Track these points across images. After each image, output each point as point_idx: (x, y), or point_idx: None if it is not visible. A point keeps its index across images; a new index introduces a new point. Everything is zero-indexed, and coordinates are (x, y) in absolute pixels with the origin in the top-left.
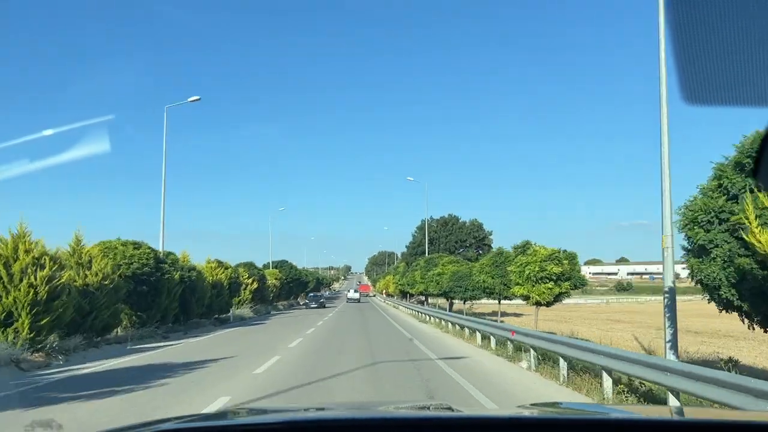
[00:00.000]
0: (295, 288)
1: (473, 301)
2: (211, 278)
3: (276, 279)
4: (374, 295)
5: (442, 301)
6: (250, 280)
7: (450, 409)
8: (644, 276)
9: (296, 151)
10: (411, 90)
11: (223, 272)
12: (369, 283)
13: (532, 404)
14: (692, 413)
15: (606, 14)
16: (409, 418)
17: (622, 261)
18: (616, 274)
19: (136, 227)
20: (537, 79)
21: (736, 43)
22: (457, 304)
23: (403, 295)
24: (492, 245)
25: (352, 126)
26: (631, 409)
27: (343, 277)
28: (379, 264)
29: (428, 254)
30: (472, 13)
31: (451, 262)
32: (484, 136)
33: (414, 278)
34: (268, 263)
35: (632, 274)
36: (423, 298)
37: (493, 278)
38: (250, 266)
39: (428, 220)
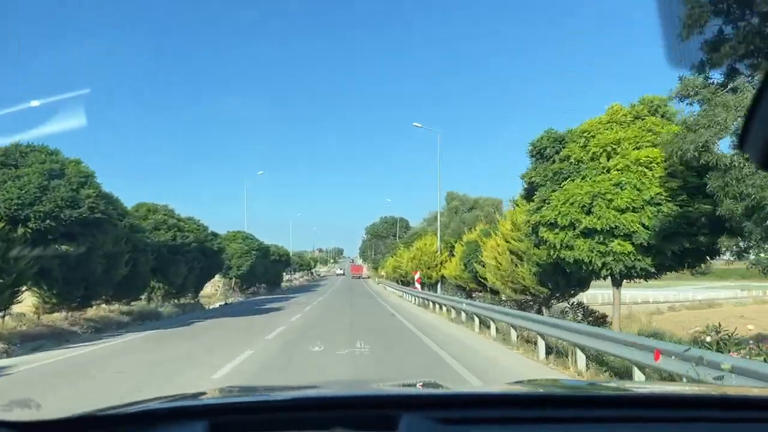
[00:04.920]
0: (176, 266)
1: None
2: None
3: None
4: (368, 277)
5: None
6: None
7: (438, 385)
8: None
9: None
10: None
11: None
12: (363, 265)
13: (515, 381)
14: (700, 390)
15: None
16: (400, 395)
17: None
18: None
19: None
20: None
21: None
22: None
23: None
24: None
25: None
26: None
27: (333, 260)
28: (381, 236)
29: None
30: None
31: None
32: None
33: None
34: None
35: None
36: None
37: None
38: None
39: None
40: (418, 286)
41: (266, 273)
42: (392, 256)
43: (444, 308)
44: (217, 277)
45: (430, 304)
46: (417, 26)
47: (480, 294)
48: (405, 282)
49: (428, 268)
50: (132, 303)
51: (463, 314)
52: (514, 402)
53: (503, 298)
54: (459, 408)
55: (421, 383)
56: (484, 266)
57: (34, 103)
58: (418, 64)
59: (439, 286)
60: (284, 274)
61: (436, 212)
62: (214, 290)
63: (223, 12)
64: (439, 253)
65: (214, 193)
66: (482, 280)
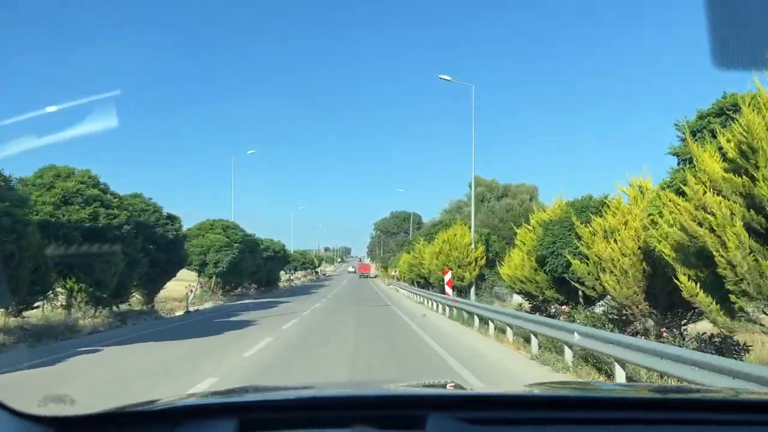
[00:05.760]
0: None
1: None
2: None
3: None
4: (376, 276)
5: None
6: None
7: (461, 387)
8: None
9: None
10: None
11: None
12: (370, 264)
13: (537, 383)
14: (718, 394)
15: None
16: (427, 395)
17: None
18: None
19: None
20: None
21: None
22: None
23: None
24: None
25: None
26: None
27: (340, 259)
28: (391, 233)
29: None
30: None
31: None
32: None
33: None
34: None
35: None
36: None
37: None
38: None
39: None
40: (449, 290)
41: (258, 271)
42: (408, 252)
43: (510, 332)
44: (193, 275)
45: (475, 319)
46: (417, 26)
47: (563, 308)
48: (423, 284)
49: (459, 267)
50: (25, 312)
51: (568, 353)
52: (540, 403)
53: (601, 310)
54: (485, 408)
55: (451, 384)
56: (583, 261)
57: (50, 108)
58: (418, 64)
59: (472, 290)
60: (283, 273)
61: (458, 201)
62: (190, 291)
63: (223, 12)
64: (473, 246)
65: (213, 193)
66: (578, 285)
